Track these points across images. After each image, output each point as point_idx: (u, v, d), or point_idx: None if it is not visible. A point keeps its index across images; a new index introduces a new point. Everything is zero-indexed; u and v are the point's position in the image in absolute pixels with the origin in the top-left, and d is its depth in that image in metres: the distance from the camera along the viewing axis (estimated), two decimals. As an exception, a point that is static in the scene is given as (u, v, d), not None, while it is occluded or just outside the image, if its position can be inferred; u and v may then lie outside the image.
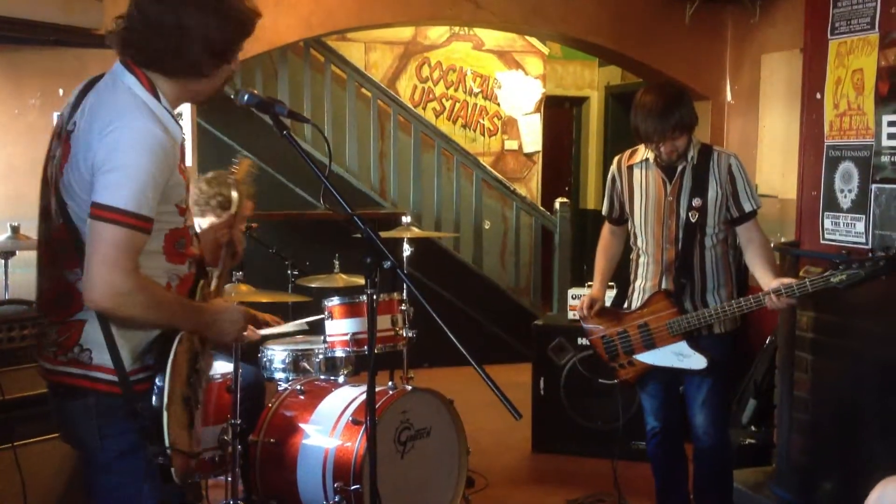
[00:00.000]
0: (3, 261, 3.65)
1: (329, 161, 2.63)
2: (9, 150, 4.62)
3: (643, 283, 3.63)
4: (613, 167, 3.72)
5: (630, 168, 3.65)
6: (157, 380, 2.15)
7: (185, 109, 5.48)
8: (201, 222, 3.79)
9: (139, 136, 2.08)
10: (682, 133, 3.43)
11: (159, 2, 2.15)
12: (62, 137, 2.20)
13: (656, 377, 3.64)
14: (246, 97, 2.41)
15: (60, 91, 4.62)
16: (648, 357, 3.59)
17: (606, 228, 3.89)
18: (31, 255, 3.61)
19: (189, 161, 5.66)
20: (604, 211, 3.84)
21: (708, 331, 3.51)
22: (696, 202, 3.48)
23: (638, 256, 3.67)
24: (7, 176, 4.57)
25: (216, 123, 7.06)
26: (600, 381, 4.48)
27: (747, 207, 3.51)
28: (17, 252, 3.70)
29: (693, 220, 3.48)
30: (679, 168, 3.52)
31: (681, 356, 3.50)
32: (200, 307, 2.32)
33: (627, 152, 3.70)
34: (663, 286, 3.55)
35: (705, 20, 6.34)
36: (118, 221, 2.04)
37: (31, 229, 3.73)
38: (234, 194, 2.73)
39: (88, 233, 2.06)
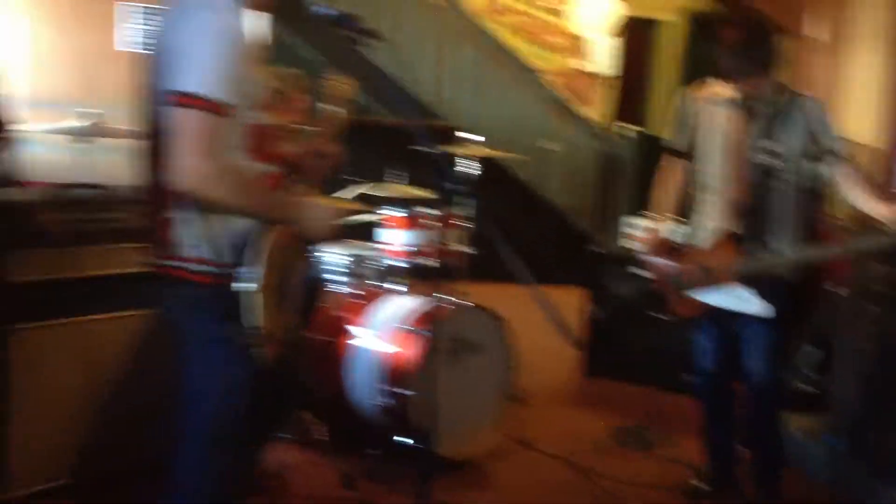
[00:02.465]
0: (80, 145, 3.73)
1: (399, 77, 2.62)
2: (80, 38, 4.67)
3: (708, 223, 3.57)
4: (683, 98, 3.61)
5: (706, 102, 3.54)
6: (248, 268, 2.25)
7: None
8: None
9: (214, 25, 2.16)
10: (766, 71, 3.31)
11: None
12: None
13: (712, 317, 3.61)
14: (321, 10, 2.43)
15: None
16: (707, 296, 3.57)
17: (667, 160, 3.74)
18: (112, 141, 3.71)
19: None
20: (668, 142, 3.70)
21: (772, 277, 3.47)
22: (774, 145, 3.36)
23: (704, 194, 3.61)
24: (79, 62, 4.63)
25: (285, 28, 7.04)
26: (655, 314, 4.47)
27: (833, 147, 3.34)
28: (95, 138, 3.77)
29: (768, 163, 3.38)
30: (760, 108, 3.40)
31: (740, 299, 3.46)
32: (289, 200, 2.39)
33: (700, 84, 3.59)
34: (730, 228, 3.49)
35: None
36: (195, 106, 2.11)
37: (108, 116, 3.81)
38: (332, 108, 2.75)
39: (172, 120, 2.13)
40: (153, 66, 2.27)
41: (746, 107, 3.42)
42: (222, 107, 2.13)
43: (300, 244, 2.48)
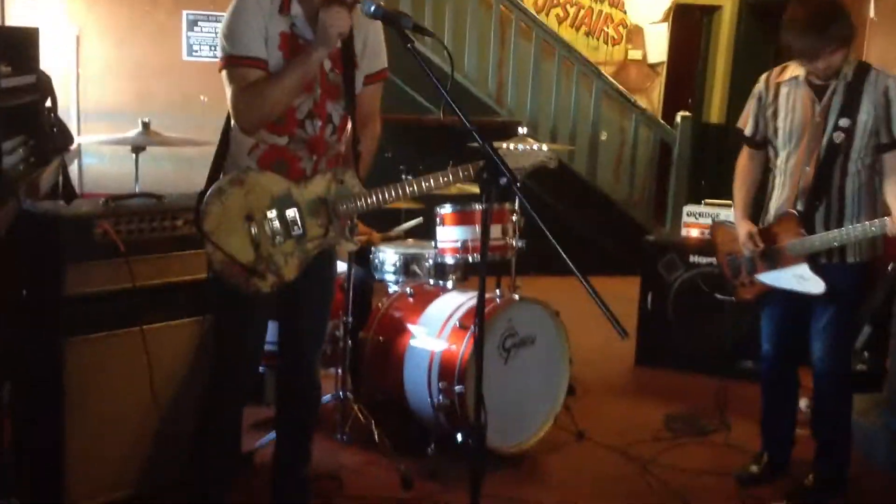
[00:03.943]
0: (134, 155, 3.81)
1: (451, 74, 2.63)
2: (140, 49, 4.78)
3: (777, 203, 3.52)
4: (760, 85, 3.55)
5: (778, 85, 3.48)
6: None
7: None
8: None
9: (233, 7, 2.56)
10: (837, 48, 3.23)
11: None
12: None
13: (777, 300, 3.56)
14: (372, 8, 2.47)
15: (190, -9, 4.75)
16: (769, 277, 3.52)
17: (745, 154, 3.68)
18: (160, 151, 3.80)
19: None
20: (747, 132, 3.62)
21: (839, 258, 3.40)
22: (844, 122, 3.30)
23: (775, 177, 3.55)
24: (137, 73, 4.74)
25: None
26: (718, 296, 4.42)
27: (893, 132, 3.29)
28: (147, 147, 3.84)
29: (838, 142, 3.31)
30: (831, 86, 3.33)
31: (801, 279, 3.40)
32: (295, 57, 2.59)
33: (777, 69, 3.52)
34: (797, 208, 3.43)
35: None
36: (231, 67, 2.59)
37: (160, 126, 3.90)
38: None
39: None
40: None
41: (819, 85, 3.36)
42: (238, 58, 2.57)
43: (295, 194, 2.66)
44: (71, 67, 5.17)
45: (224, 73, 2.59)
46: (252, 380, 2.99)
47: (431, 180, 2.75)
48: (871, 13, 6.00)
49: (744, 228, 3.58)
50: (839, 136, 3.31)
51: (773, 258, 3.49)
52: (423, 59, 2.42)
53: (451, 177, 2.74)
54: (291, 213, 2.65)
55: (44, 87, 3.56)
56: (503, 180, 2.35)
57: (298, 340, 2.90)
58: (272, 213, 2.62)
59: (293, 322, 2.89)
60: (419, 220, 4.39)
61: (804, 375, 3.66)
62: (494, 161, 2.33)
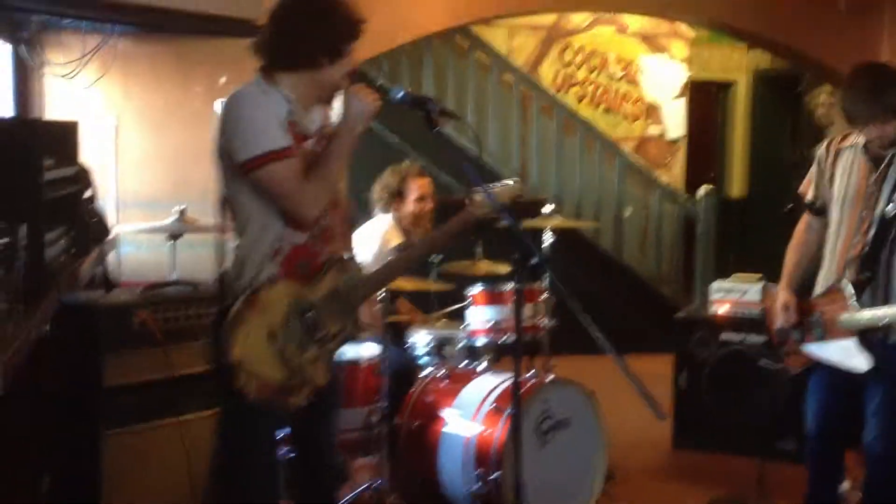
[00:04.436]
0: (171, 242, 3.85)
1: (479, 153, 2.68)
2: (175, 136, 4.85)
3: (825, 273, 3.48)
4: (821, 149, 3.52)
5: (838, 151, 3.46)
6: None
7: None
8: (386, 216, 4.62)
9: (241, 101, 2.48)
10: (892, 118, 3.23)
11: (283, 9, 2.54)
12: None
13: (823, 375, 3.47)
14: (400, 95, 2.51)
15: (222, 79, 4.84)
16: (816, 348, 3.46)
17: (804, 221, 3.63)
18: (196, 237, 3.82)
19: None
20: (807, 198, 3.57)
21: (883, 335, 3.28)
22: None
23: (826, 244, 3.50)
24: (174, 161, 4.80)
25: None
26: (764, 362, 4.33)
27: None
28: (184, 234, 3.88)
29: (891, 214, 3.26)
30: (888, 156, 3.31)
31: (847, 353, 3.32)
32: (330, 143, 2.55)
33: (840, 135, 3.51)
34: (847, 278, 3.36)
35: (861, 3, 6.07)
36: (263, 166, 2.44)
37: (196, 212, 3.94)
38: None
39: None
40: None
41: (878, 154, 3.34)
42: (275, 153, 2.45)
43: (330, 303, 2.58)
44: (109, 157, 5.27)
45: (262, 171, 2.42)
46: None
47: (432, 240, 2.73)
48: None
49: (782, 298, 3.54)
50: (893, 210, 3.28)
51: (822, 329, 3.43)
52: (447, 140, 2.47)
53: (451, 229, 2.75)
54: (310, 316, 2.54)
55: (84, 178, 3.63)
56: (534, 260, 2.37)
57: (318, 442, 2.75)
58: (293, 322, 2.51)
59: (313, 423, 2.71)
60: (467, 301, 4.40)
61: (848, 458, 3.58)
62: (525, 241, 2.35)
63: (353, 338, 2.69)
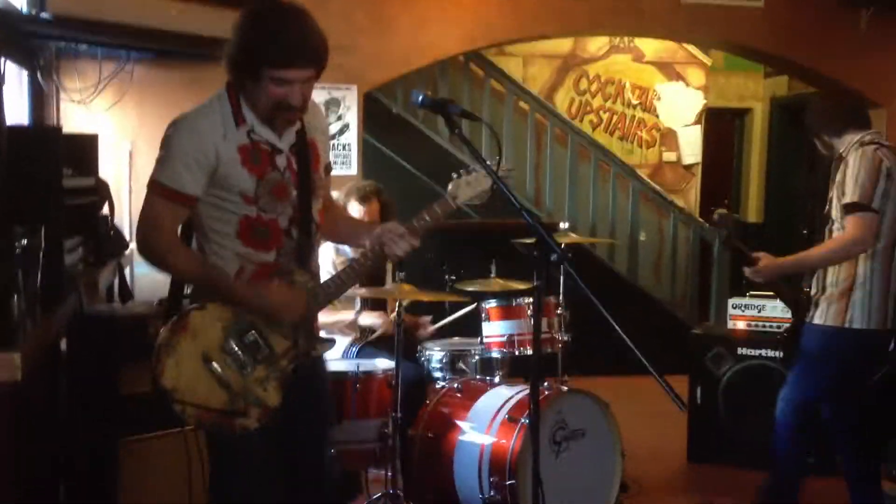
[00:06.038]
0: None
1: (500, 157, 2.62)
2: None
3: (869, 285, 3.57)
4: (887, 161, 3.50)
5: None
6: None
7: (352, 122, 5.82)
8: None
9: (178, 125, 2.43)
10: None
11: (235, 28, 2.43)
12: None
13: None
14: (420, 98, 2.54)
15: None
16: None
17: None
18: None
19: (353, 169, 5.93)
20: (874, 205, 3.51)
21: None
22: None
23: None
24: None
25: (377, 136, 7.38)
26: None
27: None
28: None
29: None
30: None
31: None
32: (234, 286, 2.46)
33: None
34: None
35: (881, 26, 6.10)
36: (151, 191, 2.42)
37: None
38: None
39: None
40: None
41: None
42: (169, 192, 2.40)
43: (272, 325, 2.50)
44: (124, 180, 5.37)
45: (150, 196, 2.42)
46: None
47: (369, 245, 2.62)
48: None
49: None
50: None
51: None
52: (468, 146, 2.49)
53: (432, 215, 2.64)
54: (250, 336, 2.46)
55: (102, 191, 3.70)
56: (554, 256, 2.37)
57: (304, 458, 2.67)
58: (230, 345, 2.44)
59: (294, 445, 2.63)
60: (472, 306, 4.41)
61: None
62: (546, 239, 2.36)
63: (308, 353, 2.58)
